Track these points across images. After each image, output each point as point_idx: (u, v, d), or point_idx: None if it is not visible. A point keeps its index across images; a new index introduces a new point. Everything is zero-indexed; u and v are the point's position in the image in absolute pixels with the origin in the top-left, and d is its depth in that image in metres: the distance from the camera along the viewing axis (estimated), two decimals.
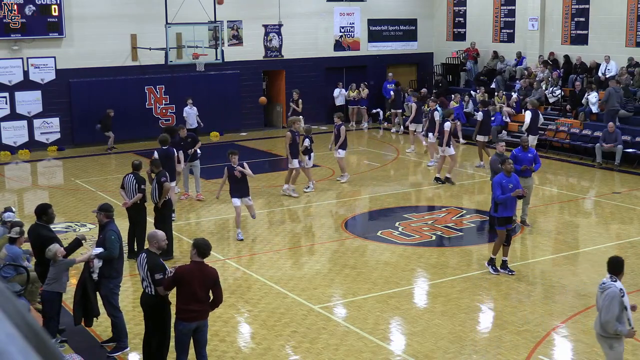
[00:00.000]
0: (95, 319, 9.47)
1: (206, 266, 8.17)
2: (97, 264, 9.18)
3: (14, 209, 11.63)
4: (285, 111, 28.14)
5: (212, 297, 8.14)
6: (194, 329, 8.11)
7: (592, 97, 22.52)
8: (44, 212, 9.82)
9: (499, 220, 12.02)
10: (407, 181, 19.59)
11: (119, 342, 9.36)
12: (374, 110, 28.54)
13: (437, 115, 19.86)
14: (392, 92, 26.86)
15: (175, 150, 15.42)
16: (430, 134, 20.25)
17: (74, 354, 9.08)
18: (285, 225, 15.49)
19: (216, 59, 23.00)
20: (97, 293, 9.35)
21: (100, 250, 9.16)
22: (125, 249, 12.73)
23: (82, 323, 9.45)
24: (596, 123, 22.18)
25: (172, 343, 8.81)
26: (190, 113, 22.93)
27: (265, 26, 27.31)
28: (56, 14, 23.48)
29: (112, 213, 9.59)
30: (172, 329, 8.35)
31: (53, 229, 10.28)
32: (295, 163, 17.31)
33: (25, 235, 10.32)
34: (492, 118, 21.67)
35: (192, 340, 8.27)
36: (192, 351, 8.36)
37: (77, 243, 9.66)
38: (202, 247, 8.05)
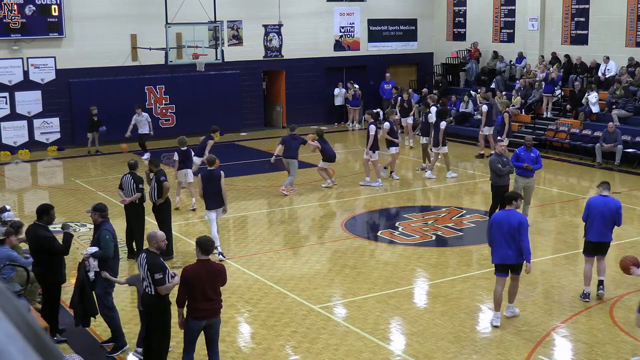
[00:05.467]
0: (93, 318, 9.46)
1: (212, 263, 8.27)
2: (93, 262, 9.19)
3: (8, 207, 11.58)
4: (286, 111, 28.11)
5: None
6: (205, 326, 8.16)
7: (592, 97, 22.51)
8: (45, 213, 9.77)
9: None
10: (407, 181, 19.58)
11: (117, 341, 9.35)
12: (375, 111, 28.14)
13: (430, 118, 19.94)
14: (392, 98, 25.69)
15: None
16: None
17: (74, 354, 9.07)
18: (285, 225, 15.49)
19: (216, 59, 23.00)
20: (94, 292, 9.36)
21: (95, 249, 9.17)
22: (125, 249, 12.77)
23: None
24: (596, 123, 22.17)
25: (172, 343, 8.83)
26: (140, 120, 22.09)
27: (265, 26, 27.30)
28: (56, 14, 23.48)
29: (106, 213, 9.58)
30: (177, 327, 8.36)
31: (52, 229, 10.25)
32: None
33: (22, 235, 10.30)
34: (492, 118, 21.71)
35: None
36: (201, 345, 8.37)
37: (69, 237, 9.63)
38: (204, 244, 8.11)
